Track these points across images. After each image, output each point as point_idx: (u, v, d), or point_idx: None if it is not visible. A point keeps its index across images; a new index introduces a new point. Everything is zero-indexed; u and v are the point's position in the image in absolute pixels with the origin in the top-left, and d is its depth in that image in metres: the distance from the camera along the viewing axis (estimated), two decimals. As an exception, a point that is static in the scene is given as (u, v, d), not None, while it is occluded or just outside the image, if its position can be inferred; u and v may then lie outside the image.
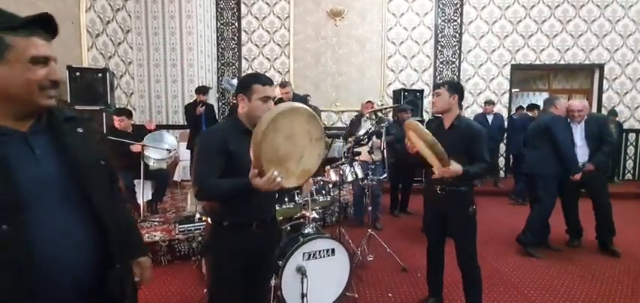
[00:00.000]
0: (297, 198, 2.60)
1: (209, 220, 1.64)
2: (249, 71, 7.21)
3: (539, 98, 7.87)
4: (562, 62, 6.97)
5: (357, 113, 4.05)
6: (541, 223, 3.52)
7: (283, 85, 4.14)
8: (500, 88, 7.13)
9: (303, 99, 4.34)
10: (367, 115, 3.60)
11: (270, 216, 1.72)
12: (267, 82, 1.57)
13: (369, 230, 3.35)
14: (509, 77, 7.10)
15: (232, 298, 1.61)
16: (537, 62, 7.02)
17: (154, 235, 3.31)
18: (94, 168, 1.02)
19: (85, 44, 5.23)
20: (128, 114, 4.08)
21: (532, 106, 5.91)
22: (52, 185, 0.91)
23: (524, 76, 7.91)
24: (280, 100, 3.64)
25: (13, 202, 0.83)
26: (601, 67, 6.88)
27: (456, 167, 1.94)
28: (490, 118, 6.17)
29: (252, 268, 1.66)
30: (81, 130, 1.04)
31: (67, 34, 5.01)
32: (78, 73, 4.70)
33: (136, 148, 3.62)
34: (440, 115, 2.27)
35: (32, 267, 0.84)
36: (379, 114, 4.03)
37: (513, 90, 7.36)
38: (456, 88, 2.21)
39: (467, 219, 2.17)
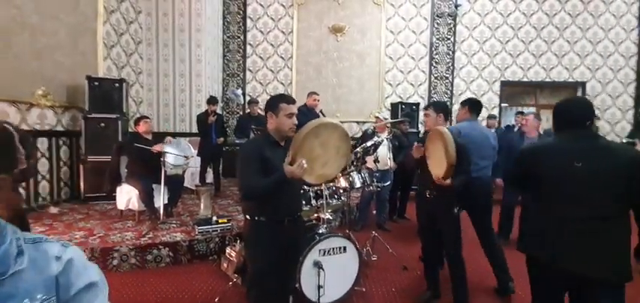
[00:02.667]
0: (312, 201, 2.90)
1: (247, 217, 1.94)
2: (253, 82, 7.57)
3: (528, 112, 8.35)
4: (548, 80, 7.46)
5: (371, 127, 4.48)
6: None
7: (314, 93, 4.75)
8: (491, 103, 7.57)
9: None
10: (387, 132, 4.04)
11: (298, 213, 2.04)
12: (291, 101, 1.89)
13: (374, 232, 3.66)
14: (498, 93, 7.56)
15: (268, 283, 1.90)
16: (525, 79, 7.50)
17: (175, 236, 3.56)
18: None
19: (101, 55, 5.50)
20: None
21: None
22: None
23: (512, 91, 8.39)
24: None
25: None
26: (583, 84, 7.40)
27: (448, 182, 2.36)
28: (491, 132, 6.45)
29: (284, 258, 1.96)
30: None
31: (86, 45, 5.29)
32: (96, 83, 4.95)
33: (156, 148, 3.87)
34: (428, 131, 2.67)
35: None
36: (394, 128, 4.49)
37: (503, 104, 7.82)
38: (441, 108, 2.69)
39: (452, 218, 2.54)
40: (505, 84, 7.57)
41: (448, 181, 2.34)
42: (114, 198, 4.23)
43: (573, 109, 1.71)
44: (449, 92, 7.46)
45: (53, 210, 4.49)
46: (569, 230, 1.59)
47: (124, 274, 3.23)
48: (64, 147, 5.04)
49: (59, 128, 4.94)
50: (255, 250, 1.93)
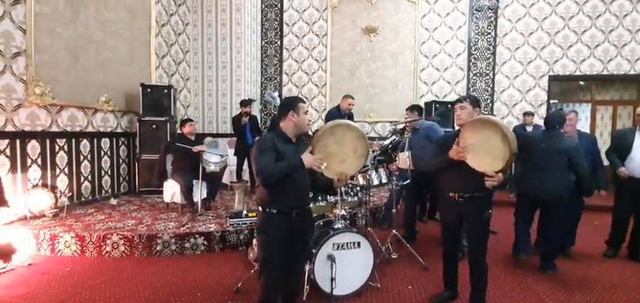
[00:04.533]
0: (329, 197, 3.05)
1: (260, 208, 2.14)
2: (289, 84, 7.90)
3: (587, 109, 7.67)
4: (605, 73, 6.80)
5: (394, 126, 4.45)
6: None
7: (349, 97, 5.27)
8: (537, 99, 7.09)
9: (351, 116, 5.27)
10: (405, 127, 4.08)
11: (306, 206, 2.21)
12: (304, 101, 2.19)
13: (394, 231, 3.70)
14: (546, 88, 7.05)
15: (277, 269, 2.09)
16: (577, 73, 6.91)
17: (210, 227, 3.92)
18: None
19: (154, 64, 6.15)
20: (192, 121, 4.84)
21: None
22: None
23: (565, 86, 7.74)
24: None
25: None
26: (647, 77, 6.63)
27: (501, 177, 2.19)
28: (529, 129, 6.08)
29: (292, 247, 2.13)
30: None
31: (141, 56, 5.96)
32: (149, 90, 5.56)
33: (196, 148, 4.28)
34: (459, 127, 2.59)
35: None
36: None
37: (552, 101, 7.26)
38: (477, 102, 2.54)
39: (482, 221, 2.46)
40: (554, 79, 7.03)
41: (500, 176, 2.15)
42: (162, 192, 4.74)
43: (549, 118, 3.37)
44: (490, 89, 7.13)
45: (113, 201, 5.15)
46: (541, 177, 3.20)
47: (165, 258, 3.65)
48: (122, 146, 5.74)
49: (119, 130, 5.64)
50: (264, 237, 2.13)
